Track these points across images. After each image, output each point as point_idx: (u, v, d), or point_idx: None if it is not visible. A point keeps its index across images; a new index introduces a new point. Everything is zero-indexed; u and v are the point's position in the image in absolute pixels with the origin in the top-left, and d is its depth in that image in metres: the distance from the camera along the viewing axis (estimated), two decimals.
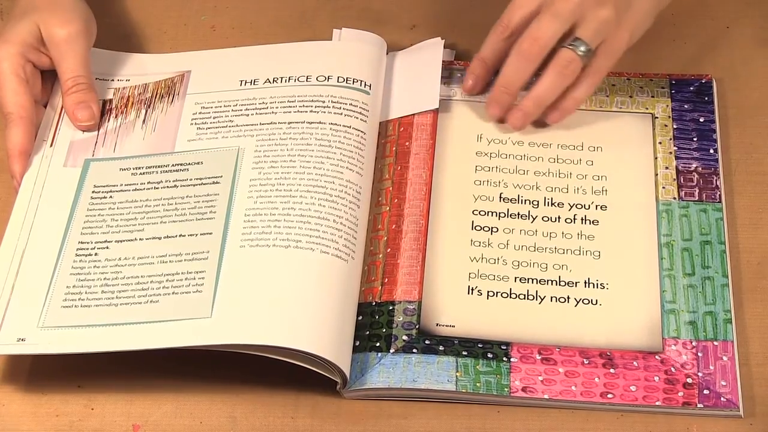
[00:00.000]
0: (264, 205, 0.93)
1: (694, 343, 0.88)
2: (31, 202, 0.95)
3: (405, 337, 0.89)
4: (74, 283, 0.90)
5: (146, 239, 0.92)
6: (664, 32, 1.07)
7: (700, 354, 0.87)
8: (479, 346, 0.89)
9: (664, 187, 0.95)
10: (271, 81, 1.02)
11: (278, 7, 1.12)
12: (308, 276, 0.89)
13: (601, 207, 0.95)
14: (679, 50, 1.06)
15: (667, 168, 0.96)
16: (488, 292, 0.91)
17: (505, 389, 0.87)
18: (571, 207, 0.95)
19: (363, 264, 0.93)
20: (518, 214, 0.95)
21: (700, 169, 0.96)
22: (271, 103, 1.00)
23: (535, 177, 0.97)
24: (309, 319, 0.87)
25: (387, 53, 1.05)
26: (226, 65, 1.04)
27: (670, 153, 0.97)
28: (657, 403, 0.86)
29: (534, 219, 0.94)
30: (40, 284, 0.91)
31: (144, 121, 1.01)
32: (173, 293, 0.89)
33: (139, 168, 0.97)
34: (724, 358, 0.87)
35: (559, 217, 0.94)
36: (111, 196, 0.95)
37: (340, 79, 1.01)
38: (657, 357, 0.87)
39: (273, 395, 0.89)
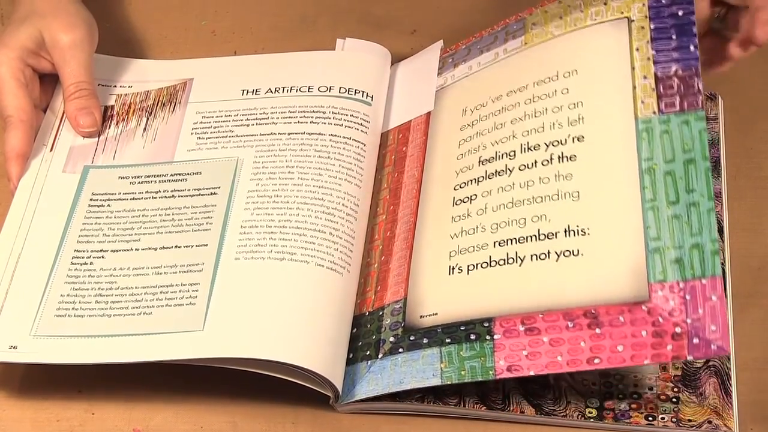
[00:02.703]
0: (260, 217, 0.93)
1: (681, 285, 0.83)
2: (28, 206, 0.95)
3: (392, 339, 0.88)
4: (68, 292, 0.90)
5: (142, 249, 0.92)
6: None
7: (687, 297, 0.83)
8: (462, 329, 0.86)
9: (642, 102, 0.89)
10: (273, 91, 1.02)
11: (278, 12, 1.12)
12: (301, 289, 0.89)
13: (577, 138, 0.90)
14: None
15: (645, 77, 0.90)
16: (468, 266, 0.88)
17: (490, 372, 0.84)
18: (548, 146, 0.90)
19: (360, 276, 0.93)
20: (495, 171, 0.91)
21: (680, 72, 0.90)
22: (272, 113, 1.00)
23: (511, 126, 0.93)
24: (300, 332, 0.87)
25: (391, 63, 1.05)
26: (229, 74, 1.04)
27: (648, 59, 0.91)
28: (645, 362, 0.82)
29: (511, 172, 0.90)
30: (34, 291, 0.90)
31: (145, 129, 1.01)
32: (166, 305, 0.89)
33: (138, 177, 0.97)
34: (713, 298, 0.82)
35: (535, 162, 0.90)
36: (109, 205, 0.95)
37: (342, 90, 1.01)
38: (643, 307, 0.83)
39: (274, 400, 0.89)
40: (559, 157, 0.89)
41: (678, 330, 0.82)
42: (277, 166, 0.96)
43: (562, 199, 0.88)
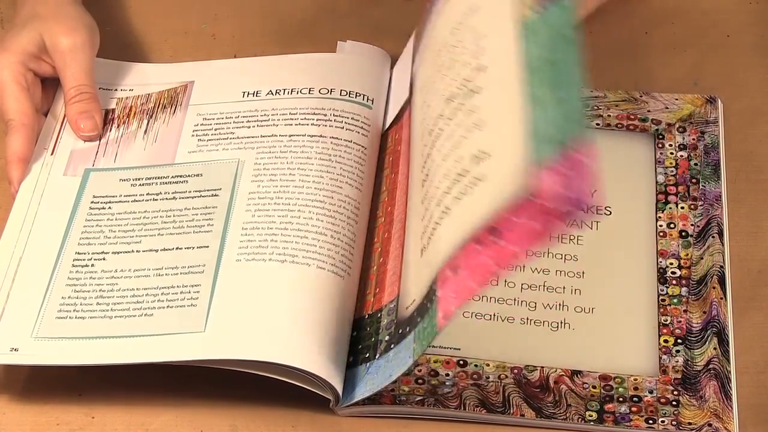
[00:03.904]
0: (262, 219, 0.93)
1: (561, 162, 0.74)
2: (29, 210, 0.96)
3: (387, 338, 0.88)
4: (69, 294, 0.90)
5: (143, 251, 0.92)
6: (665, 41, 1.07)
7: (569, 171, 0.74)
8: (426, 303, 0.83)
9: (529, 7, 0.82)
10: (274, 93, 1.02)
11: (279, 16, 1.12)
12: (302, 291, 0.89)
13: (479, 69, 0.83)
14: (680, 59, 1.06)
15: None
16: (428, 239, 0.84)
17: (435, 328, 0.80)
18: (460, 88, 0.84)
19: (360, 279, 0.93)
20: (436, 136, 0.86)
21: None
22: (272, 115, 1.00)
23: (441, 84, 0.87)
24: (301, 334, 0.87)
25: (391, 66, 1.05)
26: (230, 76, 1.04)
27: None
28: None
29: (442, 131, 0.85)
30: (35, 294, 0.90)
31: (146, 131, 1.01)
32: (168, 306, 0.89)
33: (139, 179, 0.97)
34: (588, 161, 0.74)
35: (455, 111, 0.84)
36: (110, 207, 0.96)
37: (343, 93, 1.01)
38: (531, 198, 0.74)
39: (274, 403, 0.88)
40: (468, 93, 0.84)
41: (564, 203, 0.73)
42: (278, 167, 0.96)
43: (470, 133, 0.83)
